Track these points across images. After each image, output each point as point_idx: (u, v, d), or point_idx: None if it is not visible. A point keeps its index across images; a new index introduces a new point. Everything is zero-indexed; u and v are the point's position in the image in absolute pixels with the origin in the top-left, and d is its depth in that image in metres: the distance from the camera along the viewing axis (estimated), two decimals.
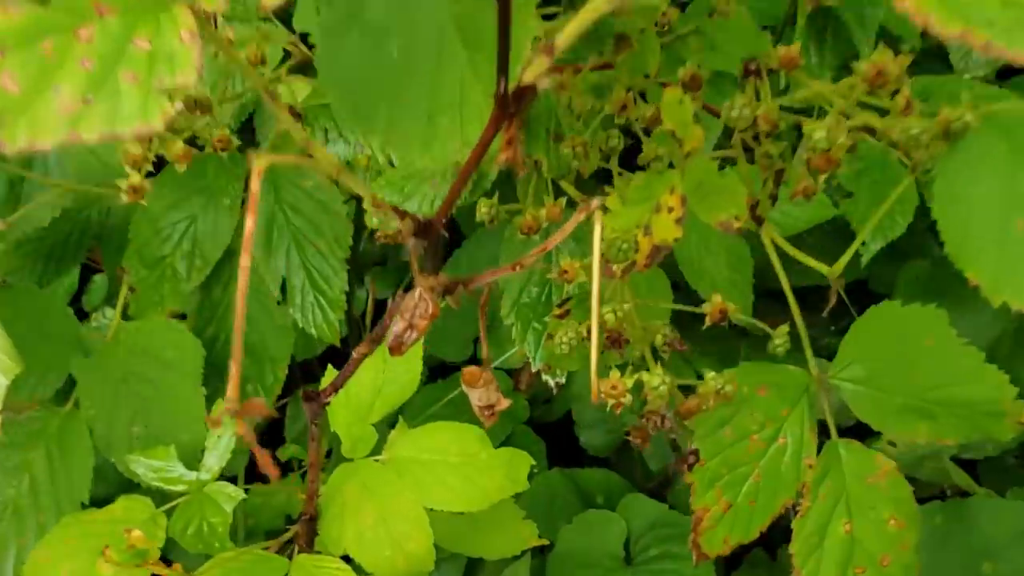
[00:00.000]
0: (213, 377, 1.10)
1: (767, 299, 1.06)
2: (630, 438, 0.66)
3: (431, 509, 0.79)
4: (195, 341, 1.00)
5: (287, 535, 0.82)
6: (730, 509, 0.68)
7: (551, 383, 0.84)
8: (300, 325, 1.02)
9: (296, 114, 0.79)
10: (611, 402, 0.63)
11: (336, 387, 0.71)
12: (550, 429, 1.50)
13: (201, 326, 1.07)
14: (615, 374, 0.63)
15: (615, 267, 0.66)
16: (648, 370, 0.63)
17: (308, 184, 1.04)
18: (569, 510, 1.27)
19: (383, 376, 0.83)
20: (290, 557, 0.80)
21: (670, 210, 0.64)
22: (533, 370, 0.82)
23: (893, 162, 1.30)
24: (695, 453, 0.65)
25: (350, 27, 0.50)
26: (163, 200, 1.04)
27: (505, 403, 0.58)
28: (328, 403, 0.71)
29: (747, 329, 1.37)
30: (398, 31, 0.50)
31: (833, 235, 1.22)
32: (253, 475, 1.27)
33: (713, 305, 0.68)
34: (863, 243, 1.21)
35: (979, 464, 1.30)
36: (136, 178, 0.71)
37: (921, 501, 0.69)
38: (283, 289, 1.04)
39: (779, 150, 0.62)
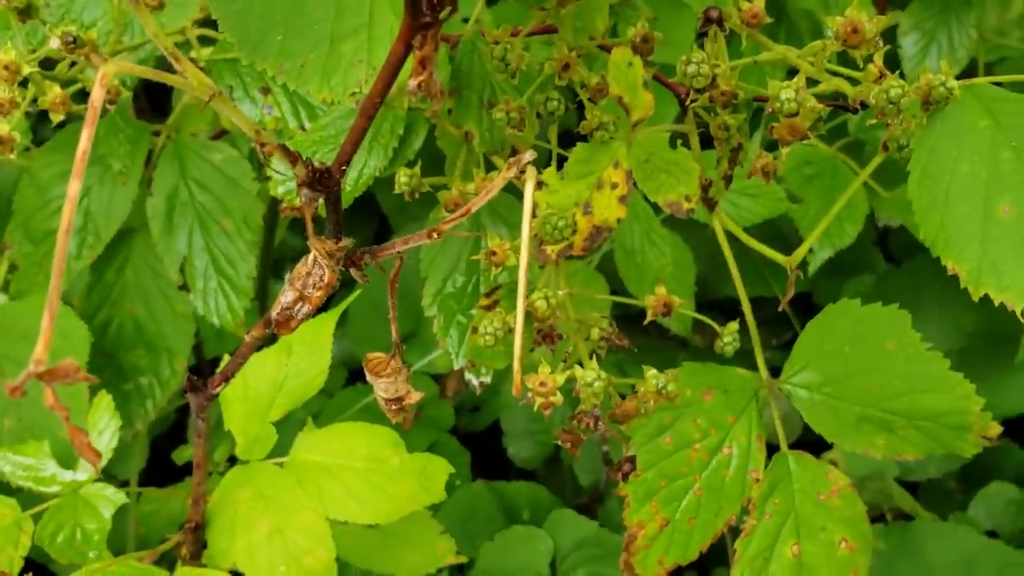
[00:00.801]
0: (105, 368, 1.00)
1: (708, 312, 1.00)
2: (560, 443, 0.58)
3: (335, 520, 0.71)
4: (81, 326, 0.90)
5: (167, 544, 0.73)
6: (667, 526, 0.60)
7: (474, 383, 0.76)
8: (201, 312, 0.93)
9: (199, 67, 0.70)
10: (539, 401, 0.55)
11: (226, 376, 0.62)
12: (476, 439, 1.42)
13: (91, 311, 0.97)
14: (544, 369, 0.56)
15: (549, 249, 0.59)
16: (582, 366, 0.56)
17: (217, 158, 0.95)
18: (492, 526, 1.20)
19: (286, 368, 0.74)
20: (171, 569, 0.70)
21: (613, 186, 0.57)
22: (455, 367, 0.74)
23: (843, 168, 1.25)
24: (631, 461, 0.58)
25: None
26: (53, 168, 0.94)
27: (416, 396, 0.50)
28: (216, 394, 0.62)
29: (687, 341, 1.31)
30: None
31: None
32: (150, 478, 1.17)
33: (657, 297, 0.61)
34: (811, 251, 1.16)
35: (919, 487, 1.26)
36: (4, 128, 0.62)
37: None
38: (183, 272, 0.94)
39: (737, 122, 0.56)
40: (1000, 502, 1.17)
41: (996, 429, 0.59)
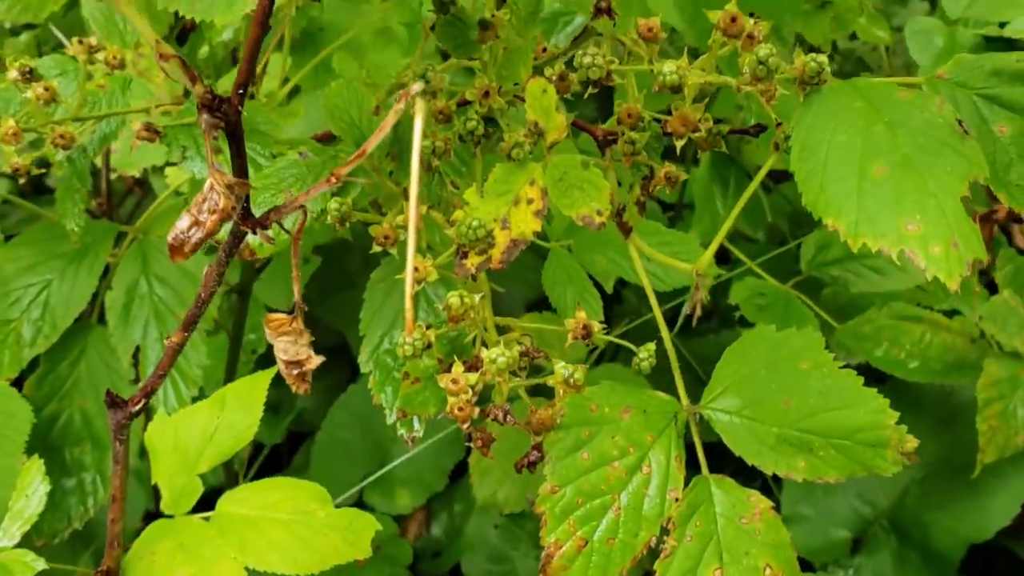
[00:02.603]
0: (48, 462, 0.98)
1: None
2: (471, 444, 0.58)
3: (257, 571, 0.69)
4: (26, 408, 0.90)
5: None
6: (586, 547, 0.59)
7: (406, 438, 0.75)
8: (150, 402, 0.93)
9: (155, 131, 0.75)
10: (451, 401, 0.55)
11: (147, 392, 0.62)
12: None
13: (40, 402, 0.98)
14: (457, 367, 0.56)
15: (469, 263, 0.61)
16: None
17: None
18: None
19: (218, 420, 0.74)
20: None
21: (529, 202, 0.60)
22: (388, 422, 0.74)
23: (796, 301, 1.28)
24: (538, 448, 0.57)
25: None
26: (18, 262, 0.98)
27: (316, 361, 0.51)
28: (137, 412, 0.62)
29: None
30: None
31: None
32: None
33: (576, 320, 0.63)
34: None
35: None
36: None
37: None
38: (136, 362, 0.95)
39: (643, 140, 0.59)
40: None
41: (912, 443, 0.59)
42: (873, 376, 1.24)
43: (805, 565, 1.27)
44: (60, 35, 0.74)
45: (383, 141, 0.76)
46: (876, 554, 1.23)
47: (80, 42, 0.73)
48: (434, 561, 1.43)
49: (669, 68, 0.50)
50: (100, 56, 0.73)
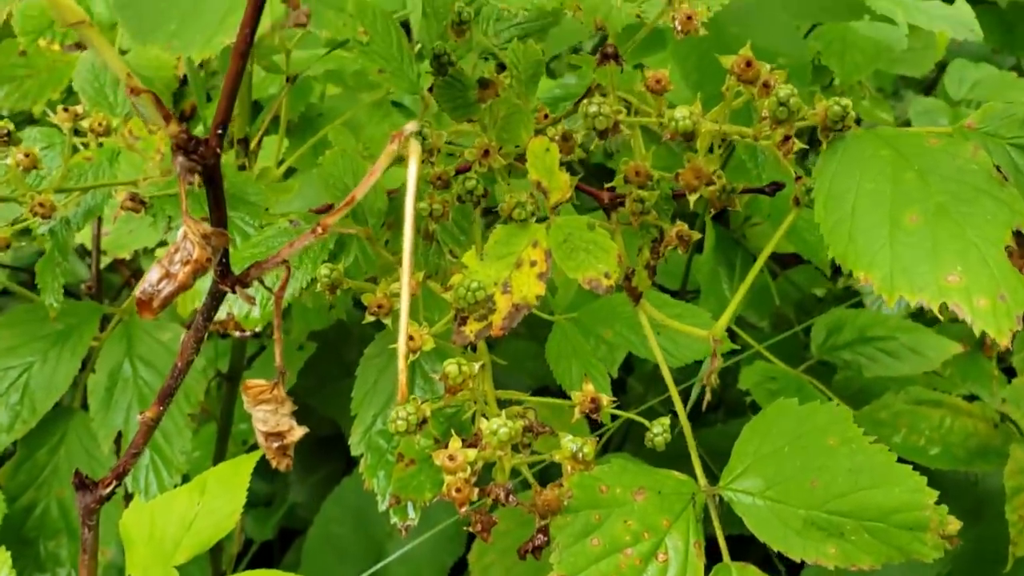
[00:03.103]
0: (21, 555, 0.93)
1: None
2: (471, 529, 0.53)
3: None
4: None
5: None
6: None
7: (400, 526, 0.69)
8: (130, 489, 0.88)
9: (141, 201, 0.72)
10: (448, 480, 0.51)
11: (119, 474, 0.57)
12: None
13: (15, 491, 0.92)
14: (455, 443, 0.52)
15: (468, 330, 0.57)
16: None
17: (166, 336, 0.95)
18: None
19: (198, 507, 0.69)
20: None
21: (532, 264, 0.57)
22: (381, 508, 0.69)
23: (808, 386, 1.24)
24: (544, 531, 0.52)
25: None
26: (1, 343, 0.93)
27: (299, 432, 0.46)
28: (107, 496, 0.57)
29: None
30: None
31: None
32: None
33: (584, 393, 0.58)
34: None
35: None
36: None
37: None
38: (117, 448, 0.90)
39: (652, 198, 0.56)
40: None
41: (955, 525, 0.54)
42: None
43: None
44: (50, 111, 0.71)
45: (379, 209, 0.73)
46: None
47: (65, 110, 0.70)
48: None
49: (682, 113, 0.47)
50: (85, 123, 0.70)
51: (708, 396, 0.66)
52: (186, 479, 0.91)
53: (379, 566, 1.34)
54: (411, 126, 0.39)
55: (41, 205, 0.67)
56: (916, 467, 1.12)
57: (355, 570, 1.37)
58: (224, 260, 0.43)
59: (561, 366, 0.76)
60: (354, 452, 0.72)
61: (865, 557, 0.55)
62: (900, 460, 1.12)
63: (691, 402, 1.13)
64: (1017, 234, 0.43)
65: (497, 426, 0.48)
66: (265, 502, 1.60)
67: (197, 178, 0.40)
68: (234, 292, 0.45)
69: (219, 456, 1.15)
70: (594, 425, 1.07)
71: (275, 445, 0.45)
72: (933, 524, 0.53)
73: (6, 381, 0.91)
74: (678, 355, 0.78)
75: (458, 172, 0.67)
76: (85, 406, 0.94)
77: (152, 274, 0.39)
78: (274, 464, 0.46)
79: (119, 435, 0.91)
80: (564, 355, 0.76)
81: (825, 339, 1.29)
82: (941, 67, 1.56)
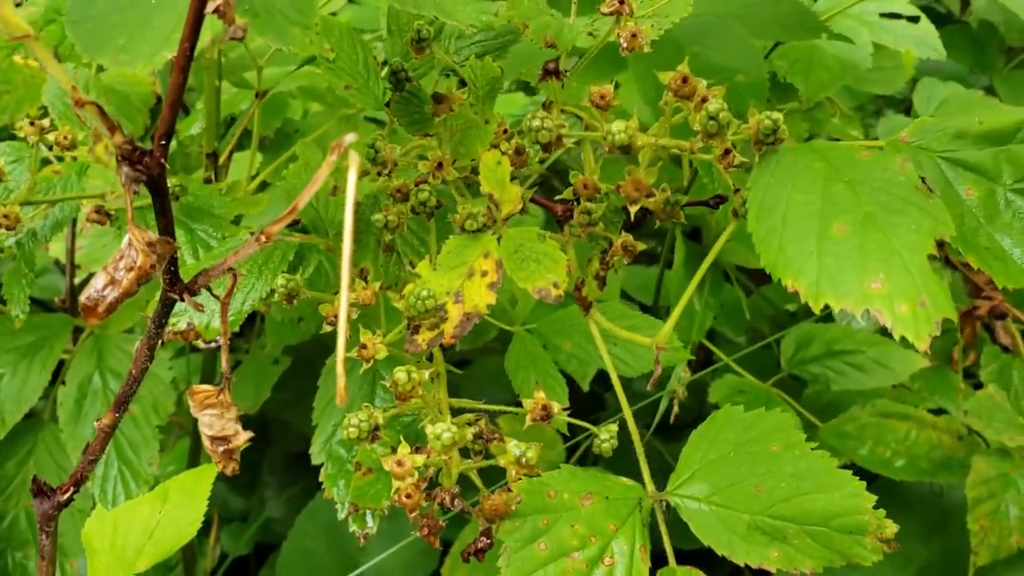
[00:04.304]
0: None
1: None
2: (417, 533, 0.54)
3: None
4: None
5: None
6: None
7: (358, 535, 0.70)
8: (98, 500, 0.89)
9: (107, 214, 0.73)
10: (396, 484, 0.52)
11: (77, 480, 0.58)
12: None
13: None
14: (403, 448, 0.53)
15: (420, 339, 0.58)
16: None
17: (136, 348, 0.95)
18: None
19: (160, 515, 0.69)
20: None
21: (484, 274, 0.58)
22: (340, 517, 0.70)
23: (776, 400, 1.25)
24: (487, 534, 0.53)
25: None
26: None
27: (244, 436, 0.47)
28: (66, 502, 0.58)
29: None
30: None
31: None
32: None
33: (535, 400, 0.59)
34: None
35: None
36: None
37: None
38: None
39: (599, 210, 0.57)
40: None
41: (892, 529, 0.55)
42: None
43: None
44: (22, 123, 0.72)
45: (338, 221, 0.74)
46: None
47: (32, 123, 0.71)
48: None
49: (618, 127, 0.48)
50: (51, 137, 0.71)
51: (676, 408, 0.67)
52: None
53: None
54: (350, 137, 0.40)
55: (6, 217, 0.68)
56: (882, 480, 1.14)
57: None
58: (173, 268, 0.45)
59: (519, 376, 0.77)
60: (315, 461, 0.73)
61: (807, 560, 0.56)
62: (861, 471, 1.14)
63: (659, 414, 1.14)
64: (939, 244, 0.45)
65: (441, 430, 0.49)
66: (241, 517, 1.60)
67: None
68: (182, 300, 0.46)
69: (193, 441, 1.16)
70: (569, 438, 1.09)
71: (221, 449, 0.46)
72: (872, 528, 0.55)
73: None
74: (635, 365, 0.80)
75: (417, 184, 0.68)
76: (55, 418, 0.95)
77: (97, 280, 0.41)
78: (220, 467, 0.47)
79: (87, 447, 0.92)
80: (523, 366, 0.77)
81: (794, 353, 1.31)
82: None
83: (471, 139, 0.65)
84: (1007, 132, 0.51)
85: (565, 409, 0.61)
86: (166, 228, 0.43)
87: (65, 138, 0.71)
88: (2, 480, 0.94)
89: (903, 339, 0.43)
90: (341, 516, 0.70)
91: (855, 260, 0.44)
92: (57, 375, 0.97)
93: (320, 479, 0.72)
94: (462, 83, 0.70)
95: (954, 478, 1.14)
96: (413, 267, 0.72)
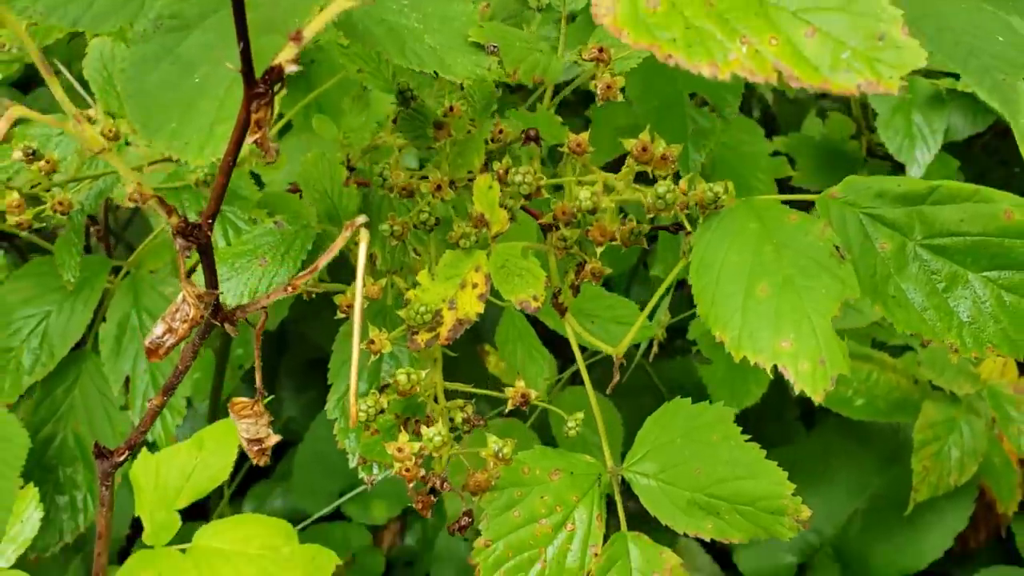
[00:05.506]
0: (43, 480, 1.06)
1: None
2: (413, 505, 0.66)
3: None
4: (22, 433, 0.97)
5: None
6: None
7: (366, 480, 0.82)
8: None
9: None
10: (396, 467, 0.63)
11: (131, 445, 0.70)
12: None
13: (37, 425, 1.05)
14: (403, 437, 0.64)
15: (419, 338, 0.68)
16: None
17: (169, 291, 1.06)
18: None
19: (196, 460, 0.82)
20: None
21: (474, 286, 0.68)
22: (351, 466, 0.82)
23: None
24: (468, 514, 0.65)
25: (162, 58, 0.55)
26: (19, 293, 1.05)
27: (274, 439, 0.58)
28: (121, 462, 0.69)
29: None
30: (204, 63, 0.54)
31: None
32: None
33: (516, 388, 0.70)
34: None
35: None
36: None
37: None
38: (127, 390, 1.03)
39: (574, 236, 0.66)
40: None
41: (806, 513, 0.66)
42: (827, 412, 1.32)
43: None
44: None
45: (352, 211, 0.83)
46: None
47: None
48: (407, 570, 1.51)
49: (584, 195, 0.57)
50: (96, 129, 0.80)
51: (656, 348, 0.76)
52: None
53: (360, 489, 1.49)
54: (361, 218, 0.50)
55: (60, 203, 0.78)
56: (839, 418, 1.24)
57: (340, 483, 1.52)
58: (216, 304, 0.55)
59: (507, 349, 0.87)
60: (329, 416, 0.84)
61: (736, 533, 0.67)
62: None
63: (640, 351, 1.26)
64: (844, 305, 0.54)
65: (433, 434, 0.60)
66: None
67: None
68: (222, 326, 0.56)
69: (218, 379, 1.28)
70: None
71: (255, 448, 0.57)
72: (790, 510, 0.66)
73: (27, 328, 1.03)
74: (611, 342, 0.90)
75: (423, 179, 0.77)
76: (96, 349, 1.07)
77: (157, 328, 0.51)
78: (254, 461, 0.59)
79: (127, 379, 1.04)
80: (510, 339, 0.88)
81: None
82: None
83: (468, 151, 0.74)
84: (920, 194, 0.59)
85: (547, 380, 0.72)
86: (211, 282, 0.53)
87: (110, 131, 0.80)
88: (52, 405, 1.06)
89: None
90: (352, 465, 0.82)
91: (771, 320, 0.54)
92: (98, 310, 1.08)
93: (333, 432, 0.83)
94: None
95: (908, 418, 1.26)
96: (417, 253, 0.82)
